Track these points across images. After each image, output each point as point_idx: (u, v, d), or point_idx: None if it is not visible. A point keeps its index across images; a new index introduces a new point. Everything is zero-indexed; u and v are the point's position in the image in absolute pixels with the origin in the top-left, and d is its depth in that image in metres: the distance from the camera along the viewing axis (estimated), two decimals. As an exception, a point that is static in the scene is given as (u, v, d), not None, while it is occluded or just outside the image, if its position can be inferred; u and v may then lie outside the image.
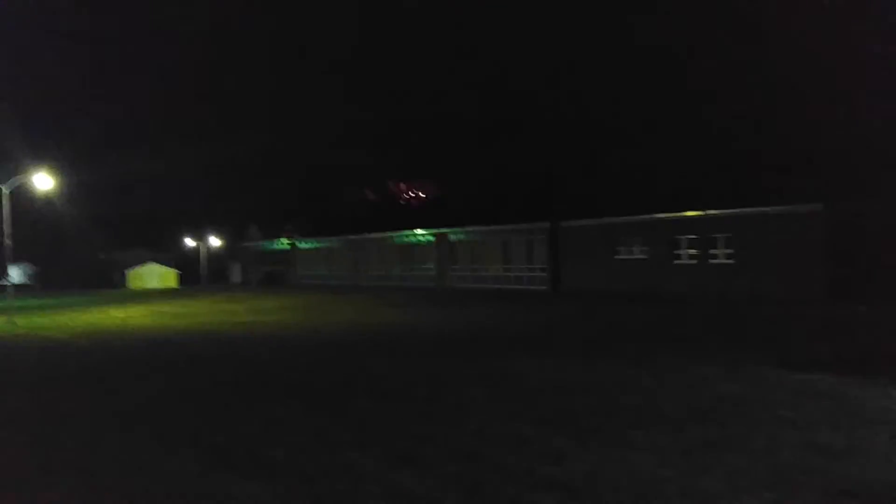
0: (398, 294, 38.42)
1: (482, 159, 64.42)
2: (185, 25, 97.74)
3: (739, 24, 44.24)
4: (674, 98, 45.62)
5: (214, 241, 74.00)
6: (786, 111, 36.43)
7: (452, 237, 44.86)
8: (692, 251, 32.03)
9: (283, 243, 62.62)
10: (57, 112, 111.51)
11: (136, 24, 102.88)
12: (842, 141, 30.89)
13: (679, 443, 7.19)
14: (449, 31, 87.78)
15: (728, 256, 30.51)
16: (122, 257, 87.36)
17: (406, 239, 48.68)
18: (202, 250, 68.56)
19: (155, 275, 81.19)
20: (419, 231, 47.41)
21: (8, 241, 26.69)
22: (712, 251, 31.15)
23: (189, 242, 76.27)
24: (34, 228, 64.18)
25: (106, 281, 76.18)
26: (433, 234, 46.20)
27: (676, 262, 32.65)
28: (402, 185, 78.80)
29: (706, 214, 31.26)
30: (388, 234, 50.25)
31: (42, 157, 50.30)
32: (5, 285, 40.72)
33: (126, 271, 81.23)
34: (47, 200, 58.41)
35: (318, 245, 58.30)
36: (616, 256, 35.31)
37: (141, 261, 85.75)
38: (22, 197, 42.75)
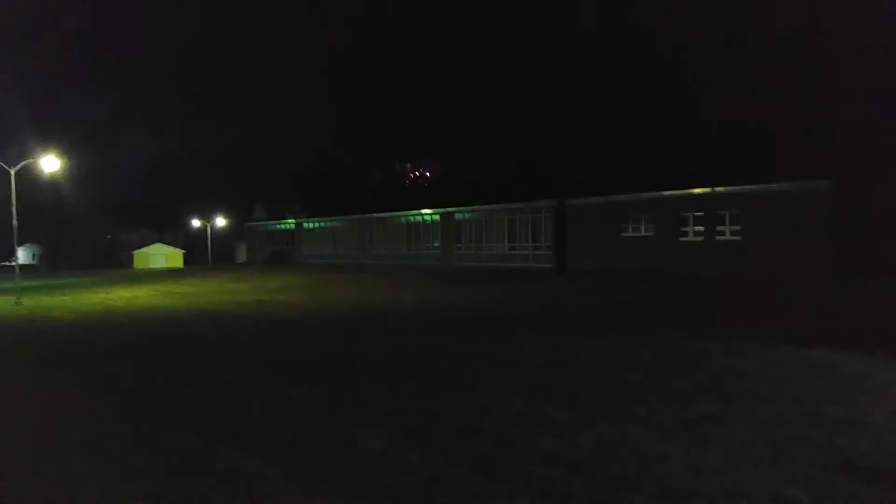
0: (404, 273, 38.48)
1: (488, 138, 64.18)
2: (192, 8, 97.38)
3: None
4: (680, 76, 45.26)
5: (220, 221, 74.11)
6: (793, 86, 36.08)
7: (458, 216, 44.81)
8: (698, 228, 31.90)
9: (289, 223, 62.71)
10: (64, 93, 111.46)
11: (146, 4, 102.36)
12: (850, 116, 30.56)
13: (682, 417, 7.22)
14: (459, 10, 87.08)
15: (734, 233, 30.38)
16: (128, 238, 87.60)
17: (411, 218, 48.67)
18: (208, 230, 68.71)
19: (161, 255, 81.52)
20: (425, 210, 47.38)
21: (15, 223, 26.79)
22: (719, 228, 31.01)
23: (195, 223, 76.41)
24: (41, 209, 64.33)
25: (113, 261, 76.52)
26: (439, 214, 46.16)
27: (683, 239, 32.52)
28: (408, 165, 78.67)
29: (713, 192, 31.09)
30: (394, 213, 50.26)
31: (48, 138, 50.30)
32: (12, 266, 40.93)
33: (132, 252, 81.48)
34: (53, 182, 58.48)
35: (323, 224, 58.36)
36: (622, 234, 35.19)
37: (147, 241, 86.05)
38: (28, 178, 42.84)
